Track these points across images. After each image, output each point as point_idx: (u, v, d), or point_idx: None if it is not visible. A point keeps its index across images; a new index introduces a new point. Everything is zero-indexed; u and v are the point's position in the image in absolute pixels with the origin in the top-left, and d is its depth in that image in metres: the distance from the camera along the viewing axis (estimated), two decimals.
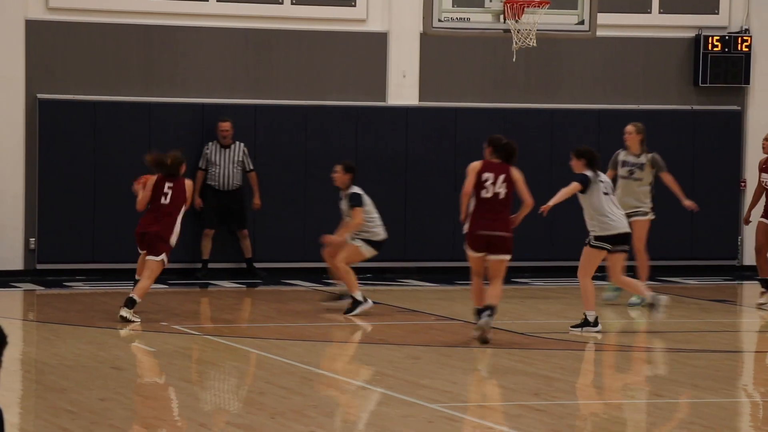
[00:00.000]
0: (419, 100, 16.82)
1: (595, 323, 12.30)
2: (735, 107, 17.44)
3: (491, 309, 11.54)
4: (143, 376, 10.41)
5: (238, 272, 16.18)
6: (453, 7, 14.62)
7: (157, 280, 15.77)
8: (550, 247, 16.03)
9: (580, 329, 12.27)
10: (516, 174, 11.53)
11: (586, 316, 12.31)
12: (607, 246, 12.23)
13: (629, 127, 14.04)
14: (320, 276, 15.64)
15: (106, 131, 16.04)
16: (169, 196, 12.77)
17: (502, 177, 11.42)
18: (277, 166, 16.41)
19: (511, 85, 16.96)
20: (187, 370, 10.96)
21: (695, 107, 17.34)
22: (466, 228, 11.56)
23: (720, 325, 13.68)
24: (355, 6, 16.70)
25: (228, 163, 15.88)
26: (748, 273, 17.17)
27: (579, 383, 10.21)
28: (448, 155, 16.66)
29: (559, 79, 17.09)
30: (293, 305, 14.08)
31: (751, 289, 16.55)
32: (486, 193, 11.34)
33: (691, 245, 17.17)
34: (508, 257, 11.55)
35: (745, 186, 17.43)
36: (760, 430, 9.11)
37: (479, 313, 11.62)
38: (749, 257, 17.36)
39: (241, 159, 15.93)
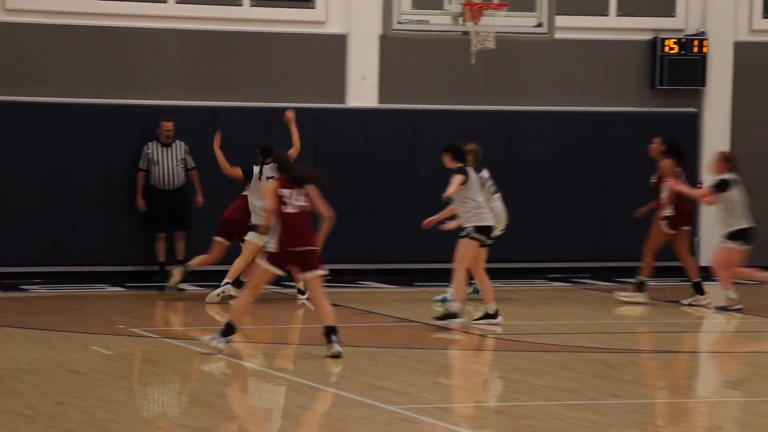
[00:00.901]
0: (379, 102, 16.85)
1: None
2: (692, 109, 17.57)
3: (335, 331, 11.09)
4: (101, 379, 10.37)
5: (199, 274, 16.15)
6: (412, 9, 14.67)
7: (115, 284, 15.66)
8: (507, 249, 16.06)
9: (477, 320, 12.69)
10: (310, 189, 11.24)
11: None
12: (484, 238, 12.62)
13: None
14: (281, 278, 15.59)
15: (63, 133, 15.97)
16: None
17: (300, 191, 11.17)
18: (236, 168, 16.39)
19: (470, 87, 17.02)
20: (145, 373, 10.93)
21: (652, 109, 17.45)
22: (272, 246, 11.10)
23: (677, 326, 13.78)
24: (314, 8, 16.71)
25: (171, 161, 15.89)
26: (704, 274, 17.30)
27: (538, 384, 10.26)
28: (408, 157, 16.70)
29: (517, 81, 17.16)
30: (253, 308, 14.06)
31: (708, 288, 16.69)
32: (288, 209, 11.10)
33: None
34: (323, 272, 11.21)
35: (701, 187, 17.56)
36: (717, 430, 9.20)
37: (228, 331, 11.05)
38: (706, 258, 17.51)
39: (183, 157, 15.95)
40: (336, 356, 11.04)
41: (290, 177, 11.19)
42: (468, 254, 12.65)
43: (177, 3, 16.32)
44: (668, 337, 12.94)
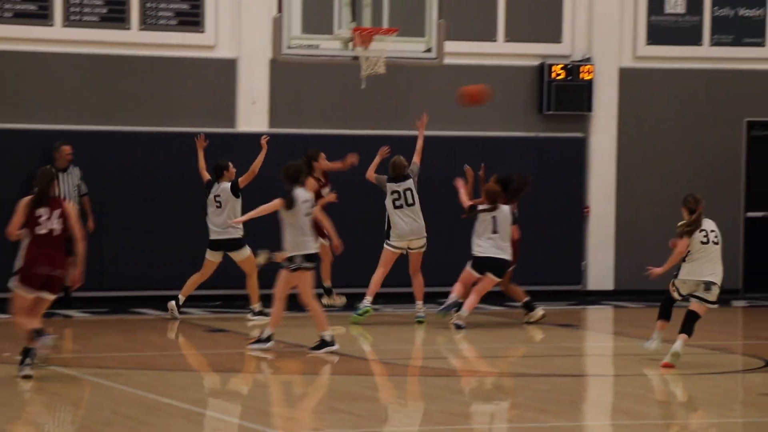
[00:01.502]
0: (269, 126, 16.83)
1: (332, 344, 12.51)
2: (579, 134, 17.83)
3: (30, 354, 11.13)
4: None
5: (89, 301, 15.95)
6: (302, 33, 14.69)
7: (1, 310, 15.44)
8: (394, 275, 16.09)
9: (320, 350, 12.47)
10: (69, 208, 11.16)
11: (322, 337, 12.51)
12: (312, 266, 12.57)
13: None
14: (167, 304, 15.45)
15: None
16: None
17: (57, 212, 11.02)
18: (127, 193, 16.25)
19: (361, 111, 17.08)
20: (31, 401, 10.76)
21: (540, 134, 17.66)
22: (19, 264, 11.13)
23: (565, 350, 13.94)
24: (204, 32, 16.65)
25: (67, 186, 15.72)
26: (592, 297, 17.57)
27: (430, 409, 10.31)
28: None
29: (408, 106, 17.25)
30: (141, 334, 13.94)
31: (596, 312, 16.95)
32: (41, 230, 10.96)
33: (536, 271, 17.43)
34: (55, 297, 11.21)
35: (588, 212, 17.83)
36: None
37: (39, 333, 11.13)
38: (593, 282, 17.76)
39: (78, 182, 15.80)
40: (27, 377, 10.89)
41: (38, 194, 10.96)
42: (310, 285, 12.51)
43: (64, 27, 16.15)
44: (559, 361, 13.08)
